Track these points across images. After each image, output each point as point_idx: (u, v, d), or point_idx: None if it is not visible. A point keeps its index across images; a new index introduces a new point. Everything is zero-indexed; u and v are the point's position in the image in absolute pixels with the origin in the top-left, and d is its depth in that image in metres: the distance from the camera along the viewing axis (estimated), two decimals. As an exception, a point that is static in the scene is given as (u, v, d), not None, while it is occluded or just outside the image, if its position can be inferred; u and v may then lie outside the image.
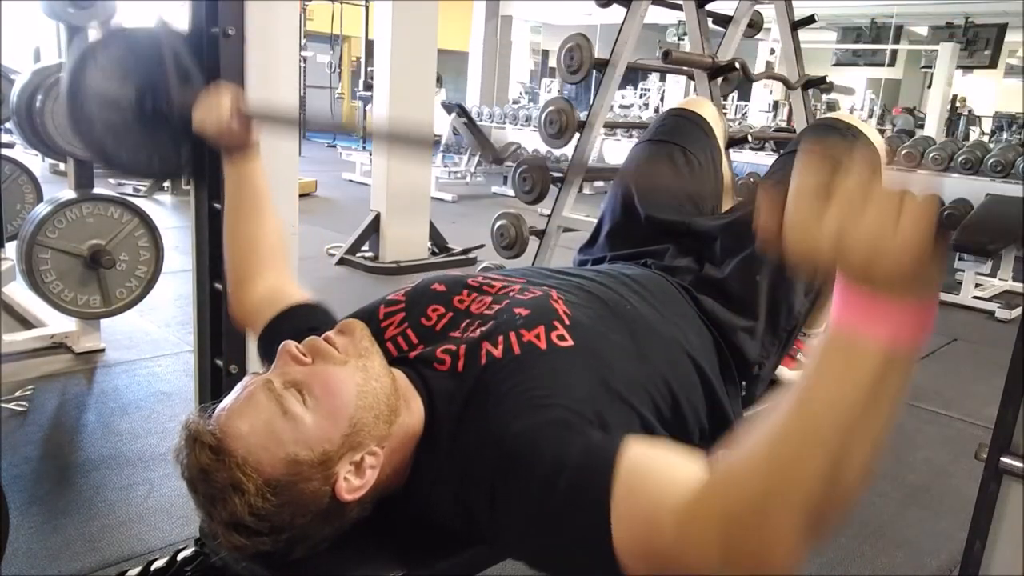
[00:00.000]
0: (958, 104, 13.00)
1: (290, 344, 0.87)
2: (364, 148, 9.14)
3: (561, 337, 0.94)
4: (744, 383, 1.25)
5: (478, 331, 0.96)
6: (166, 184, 6.70)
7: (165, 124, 1.37)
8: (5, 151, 3.40)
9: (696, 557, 0.64)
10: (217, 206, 1.47)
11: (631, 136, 8.90)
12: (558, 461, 0.76)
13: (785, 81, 3.09)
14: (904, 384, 0.57)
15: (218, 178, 1.46)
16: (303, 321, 1.08)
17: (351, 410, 0.83)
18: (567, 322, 0.96)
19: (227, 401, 0.84)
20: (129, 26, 1.37)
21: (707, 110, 1.58)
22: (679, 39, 11.81)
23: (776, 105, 11.51)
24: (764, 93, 11.73)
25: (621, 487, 0.71)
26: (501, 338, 0.92)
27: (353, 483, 0.83)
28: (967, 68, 11.87)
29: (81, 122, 1.32)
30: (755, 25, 3.14)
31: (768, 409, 0.62)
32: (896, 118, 11.72)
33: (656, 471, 0.72)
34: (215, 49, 1.40)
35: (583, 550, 0.74)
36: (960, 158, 6.09)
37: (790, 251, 0.55)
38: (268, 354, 1.08)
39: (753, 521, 0.60)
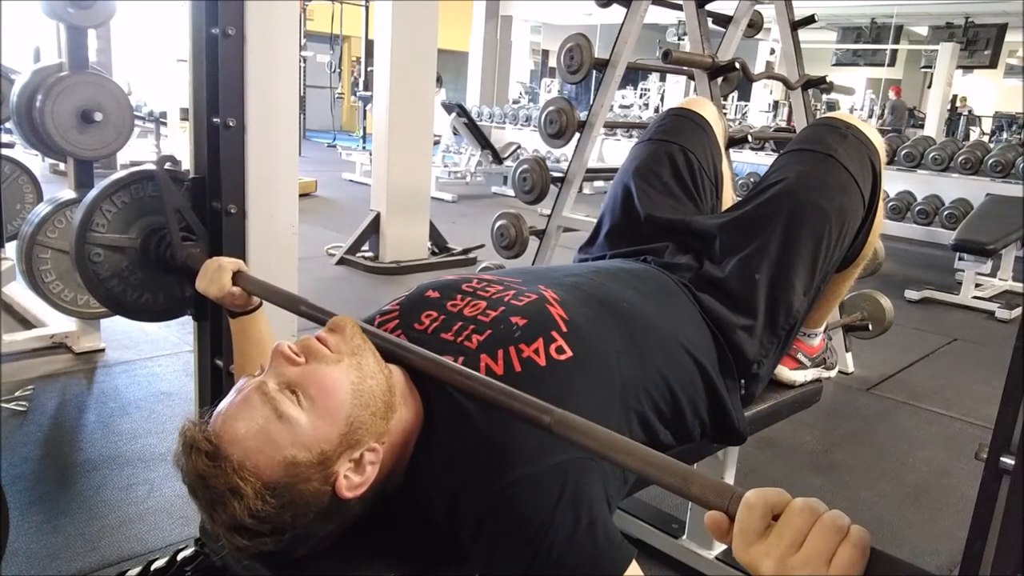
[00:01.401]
0: (959, 104, 13.00)
1: (283, 344, 0.87)
2: (364, 148, 9.15)
3: (560, 349, 0.94)
4: (743, 381, 1.25)
5: (475, 340, 0.96)
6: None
7: (169, 272, 1.46)
8: (5, 151, 3.40)
9: None
10: (217, 205, 1.47)
11: (631, 136, 8.90)
12: (553, 540, 0.79)
13: (785, 81, 3.09)
14: None
15: (218, 177, 1.46)
16: None
17: (347, 408, 0.83)
18: (564, 329, 0.97)
19: (222, 405, 0.84)
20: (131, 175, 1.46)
21: (707, 110, 1.57)
22: (679, 39, 11.81)
23: (776, 105, 11.52)
24: (764, 93, 11.74)
25: None
26: (501, 352, 0.93)
27: (354, 480, 0.83)
28: (967, 68, 11.88)
29: (88, 268, 1.41)
30: (755, 25, 3.15)
31: None
32: (894, 102, 11.68)
33: None
34: (215, 49, 1.40)
35: None
36: (960, 158, 6.09)
37: (737, 557, 0.61)
38: None
39: None
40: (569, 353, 0.94)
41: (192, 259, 1.36)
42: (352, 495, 0.83)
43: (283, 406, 0.81)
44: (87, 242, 1.40)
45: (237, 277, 1.20)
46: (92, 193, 1.42)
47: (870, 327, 3.03)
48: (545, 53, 17.82)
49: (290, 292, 1.17)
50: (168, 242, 1.42)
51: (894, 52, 12.39)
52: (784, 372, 1.48)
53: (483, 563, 0.85)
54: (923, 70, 12.41)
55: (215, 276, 1.20)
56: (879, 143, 1.35)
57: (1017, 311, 4.44)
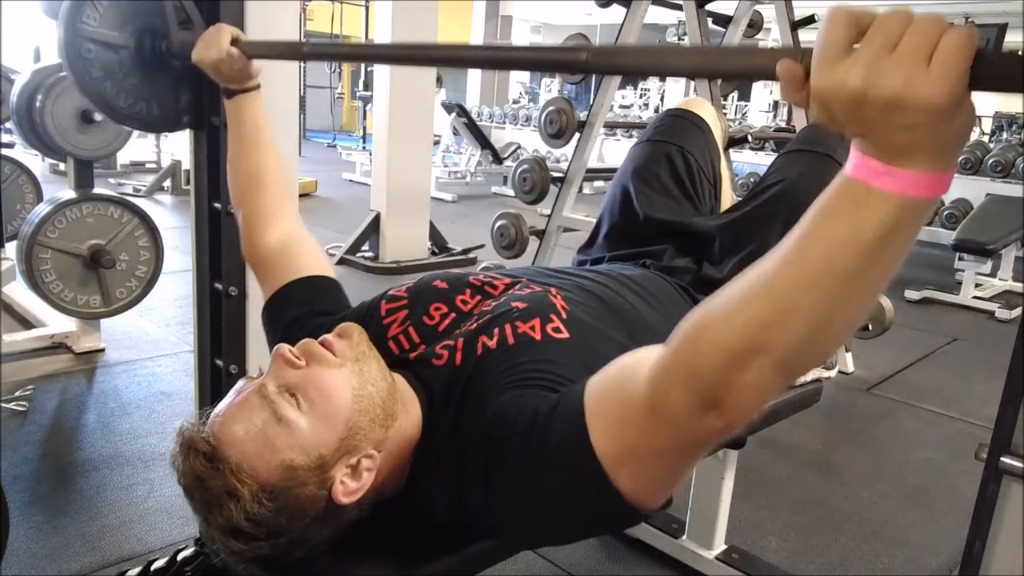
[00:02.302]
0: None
1: (284, 348, 0.86)
2: (364, 148, 9.15)
3: (557, 329, 0.93)
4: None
5: (475, 325, 0.96)
6: (166, 184, 6.71)
7: (164, 68, 1.37)
8: (5, 151, 3.40)
9: (669, 419, 0.65)
10: (217, 206, 1.47)
11: (631, 136, 8.90)
12: (534, 412, 0.78)
13: (785, 81, 3.08)
14: (914, 235, 0.55)
15: (218, 177, 1.46)
16: (313, 300, 1.08)
17: (346, 414, 0.82)
18: (564, 316, 0.96)
19: (221, 407, 0.84)
20: None
21: (705, 110, 1.57)
22: (679, 39, 11.81)
23: (776, 105, 11.52)
24: (764, 93, 11.73)
25: (592, 402, 0.73)
26: (496, 330, 0.92)
27: (350, 486, 0.83)
28: (967, 68, 11.86)
29: (79, 65, 1.31)
30: (755, 25, 3.15)
31: (752, 266, 0.60)
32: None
33: (618, 369, 0.73)
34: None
35: (573, 479, 0.74)
36: (960, 158, 6.10)
37: (815, 90, 0.52)
38: (273, 321, 1.09)
39: (726, 371, 0.59)
40: (566, 334, 0.93)
41: (188, 46, 1.27)
42: (348, 501, 0.83)
43: (282, 409, 0.81)
44: (78, 34, 1.30)
45: (236, 40, 1.17)
46: None
47: (870, 327, 3.02)
48: (545, 53, 17.80)
49: (290, 40, 1.12)
50: (164, 33, 1.33)
51: (894, 52, 12.38)
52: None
53: (502, 496, 0.81)
54: (923, 70, 12.39)
55: (212, 40, 1.17)
56: None
57: (1017, 311, 4.43)
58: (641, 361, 0.68)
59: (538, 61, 0.74)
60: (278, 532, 0.80)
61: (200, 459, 0.78)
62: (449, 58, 0.88)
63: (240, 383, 0.87)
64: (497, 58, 0.78)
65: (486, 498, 0.81)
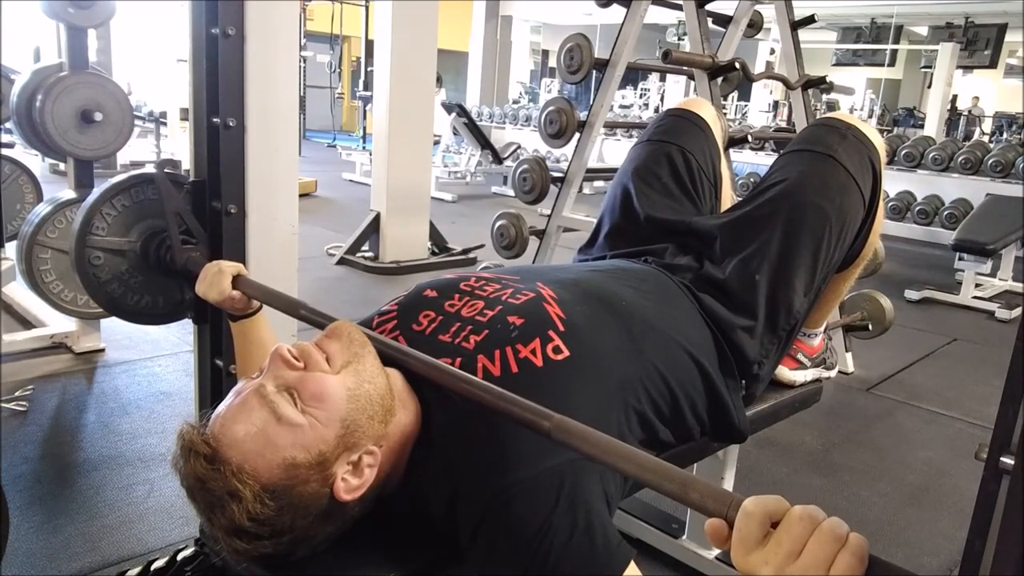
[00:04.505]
0: (971, 104, 12.98)
1: (282, 347, 0.87)
2: (364, 148, 9.15)
3: (556, 349, 0.94)
4: (744, 382, 1.25)
5: (472, 341, 0.96)
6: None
7: (169, 276, 1.46)
8: (5, 151, 3.40)
9: None
10: (217, 205, 1.47)
11: (631, 136, 8.90)
12: (551, 545, 0.79)
13: (785, 81, 3.09)
14: None
15: (218, 177, 1.46)
16: None
17: (344, 411, 0.83)
18: (562, 328, 0.96)
19: (221, 408, 0.84)
20: (131, 179, 1.46)
21: (705, 110, 1.57)
22: (679, 39, 11.81)
23: (776, 105, 11.52)
24: (764, 93, 11.73)
25: None
26: (498, 353, 0.93)
27: (351, 483, 0.83)
28: (967, 68, 11.87)
29: (87, 271, 1.41)
30: (755, 25, 3.15)
31: None
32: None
33: None
34: (215, 49, 1.40)
35: None
36: (960, 158, 6.09)
37: (736, 565, 0.61)
38: None
39: None
40: (566, 353, 0.94)
41: (192, 263, 1.36)
42: (350, 497, 0.83)
43: (281, 408, 0.81)
44: (87, 245, 1.39)
45: (237, 281, 1.19)
46: (92, 197, 1.42)
47: (870, 327, 3.03)
48: (545, 53, 17.82)
49: (290, 296, 1.17)
50: (168, 246, 1.42)
51: (894, 52, 12.39)
52: (784, 372, 1.48)
53: (480, 565, 0.85)
54: (923, 70, 12.41)
55: (215, 280, 1.19)
56: (879, 143, 1.35)
57: (1017, 311, 4.44)
58: None
59: (506, 411, 0.79)
60: (281, 531, 0.80)
61: (201, 461, 0.79)
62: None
63: (239, 384, 0.87)
64: (472, 393, 0.84)
65: (470, 542, 0.85)
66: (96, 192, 1.43)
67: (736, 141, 2.58)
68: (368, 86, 9.26)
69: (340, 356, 0.87)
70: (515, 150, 8.85)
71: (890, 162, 6.19)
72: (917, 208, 6.04)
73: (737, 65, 2.59)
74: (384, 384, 0.88)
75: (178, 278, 1.48)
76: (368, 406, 0.85)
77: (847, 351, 3.25)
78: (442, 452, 0.88)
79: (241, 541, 0.79)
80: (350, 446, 0.83)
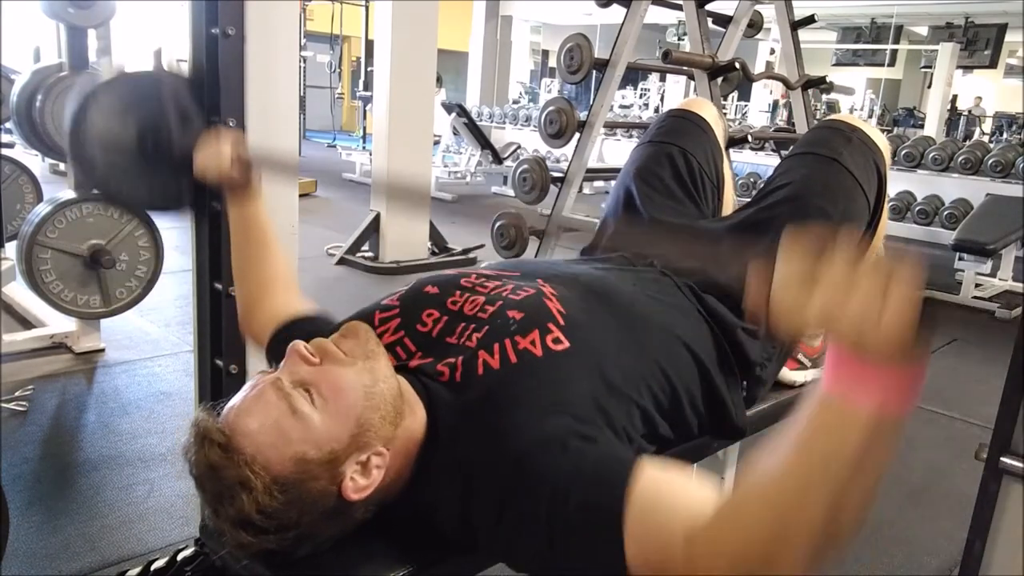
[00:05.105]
0: (971, 104, 12.96)
1: (299, 344, 0.87)
2: (364, 148, 9.15)
3: (556, 340, 0.94)
4: (745, 383, 1.25)
5: (474, 339, 0.96)
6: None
7: (166, 163, 1.40)
8: (5, 151, 3.40)
9: None
10: (217, 206, 1.47)
11: (631, 136, 8.90)
12: (568, 477, 0.78)
13: (785, 81, 3.09)
14: (892, 445, 0.62)
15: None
16: (314, 327, 1.08)
17: (358, 410, 0.83)
18: (562, 322, 0.96)
19: (236, 399, 0.85)
20: (131, 71, 1.40)
21: (707, 111, 1.57)
22: (679, 39, 11.81)
23: (776, 105, 11.52)
24: (764, 93, 11.73)
25: (634, 508, 0.73)
26: (497, 346, 0.93)
27: (359, 482, 0.83)
28: (967, 68, 11.87)
29: (84, 163, 1.36)
30: (755, 25, 3.14)
31: (771, 448, 0.66)
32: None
33: (669, 495, 0.74)
34: (215, 49, 1.40)
35: (595, 568, 0.75)
36: (960, 158, 6.10)
37: (779, 329, 0.59)
38: (277, 358, 1.09)
39: (760, 559, 0.64)
40: (566, 344, 0.94)
41: (190, 145, 1.30)
42: (357, 497, 0.83)
43: (297, 402, 0.82)
44: (81, 130, 1.33)
45: (236, 147, 1.19)
46: (88, 85, 1.36)
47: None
48: (545, 53, 17.82)
49: (290, 157, 1.13)
50: (165, 131, 1.36)
51: (894, 52, 12.39)
52: (785, 372, 1.48)
53: (510, 542, 0.83)
54: (923, 70, 12.41)
55: (213, 154, 1.19)
56: (884, 146, 1.35)
57: (1017, 311, 4.43)
58: (695, 505, 0.71)
59: None
60: (287, 526, 0.80)
61: (215, 449, 0.79)
62: None
63: (255, 377, 0.88)
64: None
65: (496, 528, 0.83)
66: (93, 83, 1.37)
67: (736, 141, 2.57)
68: (368, 86, 9.26)
69: (356, 352, 0.88)
70: (515, 150, 8.84)
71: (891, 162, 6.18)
72: (917, 208, 6.05)
73: (737, 65, 2.58)
74: (396, 386, 0.88)
75: (176, 171, 1.41)
76: (382, 405, 0.85)
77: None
78: (449, 452, 0.88)
79: (247, 534, 0.79)
80: (361, 446, 0.83)
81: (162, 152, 1.37)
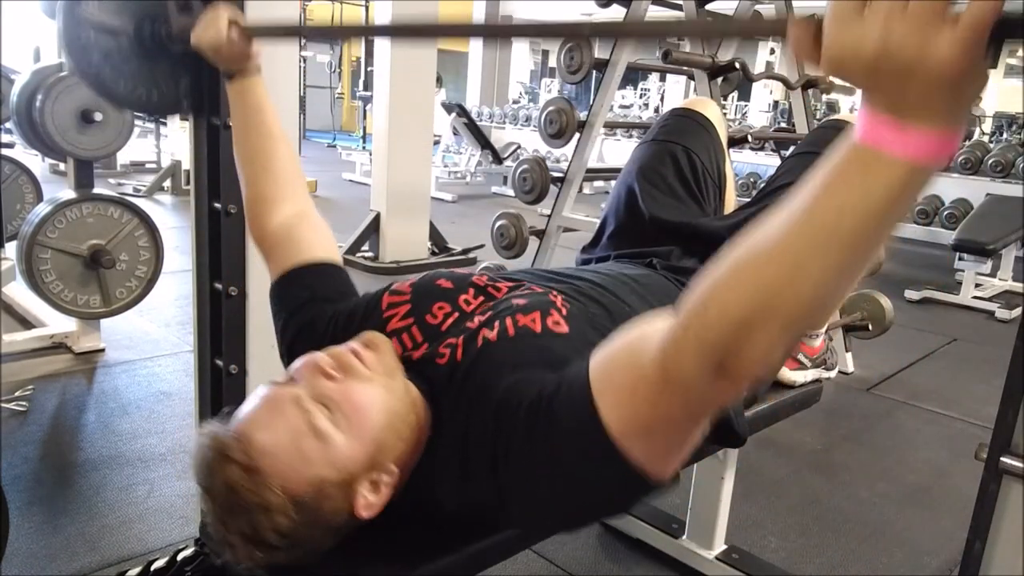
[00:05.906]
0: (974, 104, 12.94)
1: (319, 357, 0.85)
2: (364, 148, 9.15)
3: (557, 323, 0.93)
4: (745, 383, 1.24)
5: (476, 321, 0.96)
6: (166, 184, 6.71)
7: (164, 53, 1.35)
8: (5, 151, 3.40)
9: (680, 388, 0.65)
10: (217, 206, 1.47)
11: (631, 136, 8.90)
12: (538, 392, 0.78)
13: (785, 81, 3.09)
14: (915, 199, 0.56)
15: (218, 177, 1.46)
16: (317, 285, 1.07)
17: (377, 431, 0.83)
18: (564, 312, 0.97)
19: (251, 413, 0.82)
20: None
21: (710, 110, 1.57)
22: (679, 39, 11.80)
23: (776, 105, 11.51)
24: (764, 93, 11.73)
25: (597, 378, 0.73)
26: (497, 323, 0.92)
27: (371, 500, 0.83)
28: (967, 68, 11.85)
29: (79, 51, 1.30)
30: (755, 25, 3.14)
31: (754, 231, 0.60)
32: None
33: (624, 344, 0.73)
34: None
35: (584, 456, 0.74)
36: (960, 158, 6.10)
37: (826, 53, 0.51)
38: (281, 300, 1.07)
39: (735, 338, 0.59)
40: (565, 328, 0.94)
41: (187, 31, 1.25)
42: (368, 515, 0.83)
43: (318, 421, 0.80)
44: (78, 21, 1.29)
45: (235, 19, 1.16)
46: None
47: (870, 327, 3.02)
48: (545, 53, 17.81)
49: (290, 23, 1.09)
50: (163, 18, 1.32)
51: (894, 52, 12.38)
52: (784, 372, 1.48)
53: (510, 479, 0.81)
54: (923, 70, 12.39)
55: (211, 22, 1.16)
56: None
57: (1017, 311, 4.43)
58: (647, 335, 0.69)
59: (541, 32, 0.76)
60: (299, 543, 0.80)
61: (234, 468, 0.77)
62: (445, 29, 0.86)
63: (268, 388, 0.85)
64: (495, 30, 0.79)
65: (495, 485, 0.81)
66: None
67: (736, 141, 2.58)
68: (368, 86, 9.26)
69: (377, 368, 0.87)
70: (515, 150, 8.84)
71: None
72: (917, 208, 6.05)
73: (737, 65, 2.59)
74: (410, 403, 0.88)
75: (174, 68, 1.39)
76: (398, 425, 0.85)
77: (847, 351, 3.25)
78: (446, 444, 0.87)
79: (259, 551, 0.78)
80: (375, 465, 0.83)
81: (159, 42, 1.33)
